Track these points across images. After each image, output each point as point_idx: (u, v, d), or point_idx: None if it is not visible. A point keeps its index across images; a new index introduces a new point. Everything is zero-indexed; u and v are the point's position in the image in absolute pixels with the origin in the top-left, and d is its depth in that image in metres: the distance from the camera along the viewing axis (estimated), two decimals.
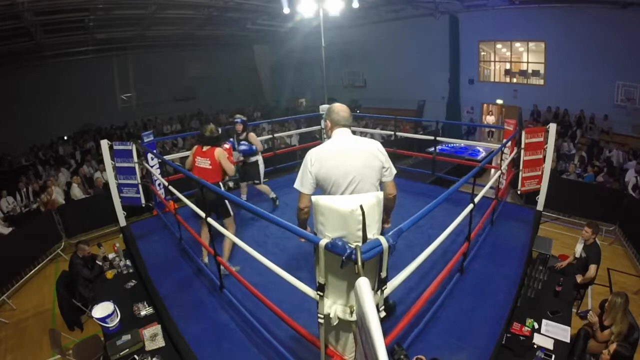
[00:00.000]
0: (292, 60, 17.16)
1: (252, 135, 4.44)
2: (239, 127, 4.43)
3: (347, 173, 2.04)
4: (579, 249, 4.12)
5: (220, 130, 3.54)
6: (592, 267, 3.88)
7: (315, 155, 2.10)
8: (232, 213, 3.40)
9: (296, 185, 2.14)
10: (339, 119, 2.17)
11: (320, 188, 2.14)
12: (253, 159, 4.54)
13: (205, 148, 3.33)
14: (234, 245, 2.99)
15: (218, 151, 3.31)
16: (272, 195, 4.72)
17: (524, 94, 12.27)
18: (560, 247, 5.05)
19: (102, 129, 15.34)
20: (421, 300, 2.37)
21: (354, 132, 2.26)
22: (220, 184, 3.42)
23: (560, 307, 2.93)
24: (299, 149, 6.95)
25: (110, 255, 4.13)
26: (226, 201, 3.31)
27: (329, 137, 2.22)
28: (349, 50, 15.87)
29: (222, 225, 3.00)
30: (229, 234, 2.72)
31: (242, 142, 4.41)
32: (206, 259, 3.42)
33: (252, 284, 2.51)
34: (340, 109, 2.20)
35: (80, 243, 4.61)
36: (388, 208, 2.38)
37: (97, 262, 4.24)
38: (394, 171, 2.22)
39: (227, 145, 3.76)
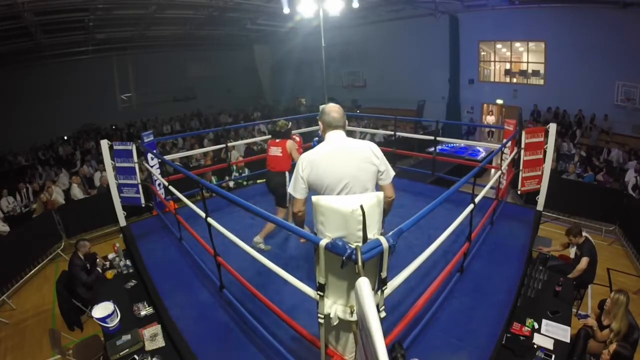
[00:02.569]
0: (292, 60, 17.16)
1: None
2: None
3: (340, 178, 1.94)
4: (572, 250, 4.20)
5: (290, 124, 3.89)
6: (584, 260, 3.93)
7: (306, 160, 2.01)
8: (287, 205, 3.67)
9: (289, 189, 2.11)
10: (331, 121, 2.05)
11: (314, 192, 2.05)
12: None
13: (278, 140, 3.76)
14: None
15: (289, 143, 3.72)
16: None
17: (524, 94, 12.27)
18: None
19: (101, 129, 15.35)
20: (421, 301, 2.37)
21: (353, 133, 2.24)
22: (287, 173, 3.69)
23: (560, 307, 2.93)
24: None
25: (110, 255, 4.13)
26: (288, 191, 3.66)
27: (322, 139, 2.11)
28: (349, 50, 15.87)
29: (273, 210, 3.59)
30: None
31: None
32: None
33: (252, 284, 2.51)
34: (332, 109, 2.08)
35: (81, 240, 4.58)
36: (384, 212, 2.24)
37: (97, 268, 4.21)
38: (392, 173, 2.11)
39: (297, 138, 4.08)
